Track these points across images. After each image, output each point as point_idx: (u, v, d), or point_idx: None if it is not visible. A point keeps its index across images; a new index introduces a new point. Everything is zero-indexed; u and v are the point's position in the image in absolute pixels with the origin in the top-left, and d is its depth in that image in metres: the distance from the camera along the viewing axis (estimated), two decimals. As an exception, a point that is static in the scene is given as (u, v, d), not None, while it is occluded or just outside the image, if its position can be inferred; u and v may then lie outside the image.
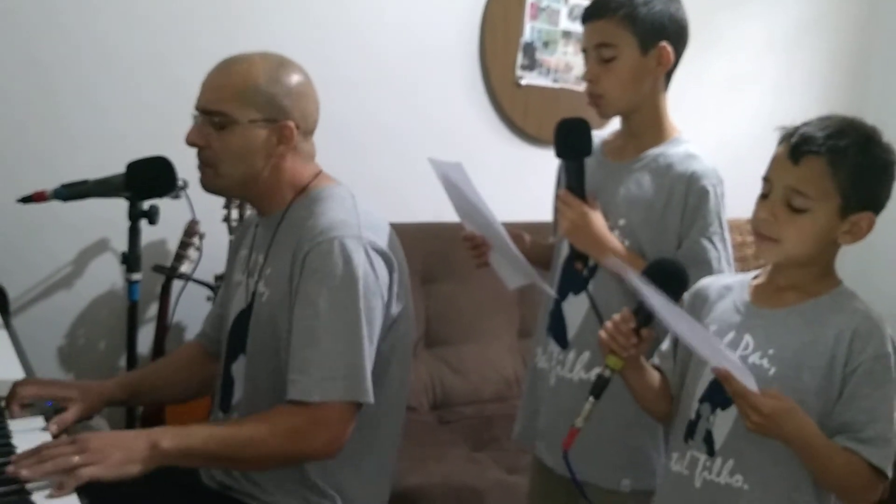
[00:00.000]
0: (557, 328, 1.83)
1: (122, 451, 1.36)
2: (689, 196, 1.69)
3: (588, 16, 1.76)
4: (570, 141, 1.74)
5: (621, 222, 1.73)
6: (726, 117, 3.46)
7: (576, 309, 1.79)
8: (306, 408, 1.48)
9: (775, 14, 3.76)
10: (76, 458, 1.31)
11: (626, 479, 1.75)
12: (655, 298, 1.34)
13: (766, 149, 1.48)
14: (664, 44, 1.71)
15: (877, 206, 1.40)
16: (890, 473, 1.36)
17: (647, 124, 1.77)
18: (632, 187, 1.74)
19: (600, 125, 1.97)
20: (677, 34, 1.74)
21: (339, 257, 1.51)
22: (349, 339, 1.51)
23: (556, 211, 1.83)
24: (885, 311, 1.43)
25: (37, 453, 1.31)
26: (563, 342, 1.81)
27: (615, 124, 1.85)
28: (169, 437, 1.42)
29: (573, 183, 1.74)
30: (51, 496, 1.25)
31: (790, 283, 1.46)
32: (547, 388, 1.85)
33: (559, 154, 1.78)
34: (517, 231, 1.86)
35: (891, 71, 3.98)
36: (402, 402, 1.74)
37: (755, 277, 1.54)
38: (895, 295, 3.28)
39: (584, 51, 1.77)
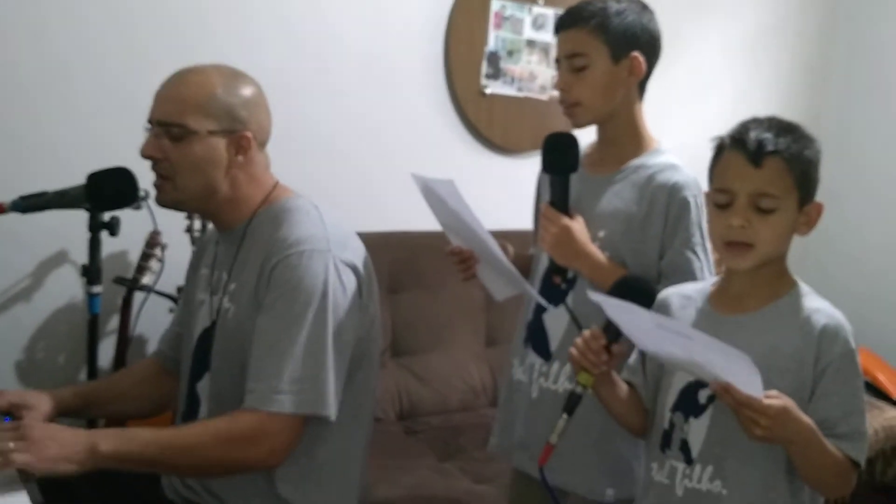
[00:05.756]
0: (538, 340, 1.83)
1: (58, 448, 1.37)
2: (670, 207, 1.70)
3: (561, 25, 1.77)
4: (559, 157, 1.75)
5: (601, 234, 1.74)
6: (688, 123, 3.48)
7: (557, 320, 1.80)
8: (256, 416, 1.48)
9: (736, 21, 3.81)
10: (11, 444, 1.34)
11: (609, 488, 1.76)
12: (640, 328, 1.37)
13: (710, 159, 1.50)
14: (636, 54, 1.73)
15: (815, 193, 1.46)
16: (863, 465, 1.39)
17: (624, 134, 1.79)
18: (612, 199, 1.75)
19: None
20: (649, 45, 1.75)
21: (307, 271, 1.51)
22: (313, 352, 1.50)
23: (537, 224, 1.83)
24: (848, 313, 1.46)
25: None
26: (545, 354, 1.81)
27: (591, 135, 1.85)
28: (108, 441, 1.42)
29: (556, 197, 1.75)
30: None
31: (748, 287, 1.48)
32: (527, 400, 1.84)
33: (546, 169, 1.79)
34: (501, 242, 1.86)
35: (849, 75, 4.04)
36: (369, 413, 1.73)
37: (713, 284, 1.56)
38: (854, 293, 3.35)
39: (557, 60, 1.78)
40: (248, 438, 1.48)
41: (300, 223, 1.58)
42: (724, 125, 1.49)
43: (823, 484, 1.43)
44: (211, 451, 1.48)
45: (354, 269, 1.59)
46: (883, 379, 3.33)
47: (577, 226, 1.73)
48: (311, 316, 1.50)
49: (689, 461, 1.47)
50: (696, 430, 1.47)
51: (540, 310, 1.83)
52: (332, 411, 1.50)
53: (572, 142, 1.74)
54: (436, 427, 2.80)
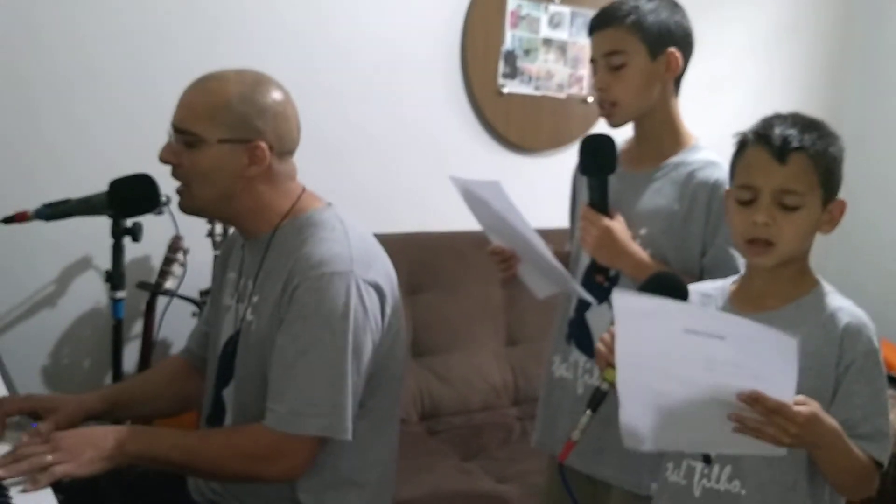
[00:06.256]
0: (582, 337, 1.85)
1: (92, 449, 1.42)
2: (712, 204, 1.70)
3: (595, 26, 1.78)
4: (598, 158, 1.76)
5: (643, 231, 1.75)
6: (707, 120, 3.47)
7: (601, 318, 1.80)
8: (276, 436, 1.50)
9: (755, 18, 3.80)
10: (49, 457, 1.37)
11: (654, 482, 1.76)
12: (657, 340, 1.29)
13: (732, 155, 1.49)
14: (672, 49, 1.74)
15: (838, 190, 1.44)
16: (886, 465, 1.38)
17: (661, 130, 1.79)
18: (653, 197, 1.76)
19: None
20: (684, 40, 1.77)
21: (329, 293, 1.50)
22: (332, 376, 1.50)
23: (574, 224, 1.84)
24: (867, 310, 1.45)
25: (12, 453, 1.38)
26: (589, 351, 1.82)
27: (627, 131, 1.85)
28: (135, 441, 1.47)
29: (596, 199, 1.76)
30: (24, 490, 1.31)
31: (770, 286, 1.47)
32: (572, 396, 1.86)
33: (584, 171, 1.80)
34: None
35: (867, 72, 4.02)
36: (393, 426, 1.73)
37: (733, 283, 1.55)
38: (877, 294, 3.32)
39: (593, 61, 1.79)
40: (266, 457, 1.51)
41: (324, 241, 1.56)
42: (742, 123, 1.48)
43: (846, 486, 1.41)
44: (231, 464, 1.52)
45: (377, 287, 1.57)
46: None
47: (618, 226, 1.73)
48: (331, 339, 1.50)
49: (707, 460, 1.46)
50: None
51: (583, 307, 1.84)
52: (349, 434, 1.52)
53: (610, 143, 1.75)
54: (458, 427, 2.80)
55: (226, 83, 1.56)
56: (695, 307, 1.40)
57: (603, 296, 1.79)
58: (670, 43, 1.74)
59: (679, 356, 1.28)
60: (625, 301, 1.31)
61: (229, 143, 1.54)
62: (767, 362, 1.23)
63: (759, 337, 1.21)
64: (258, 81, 1.59)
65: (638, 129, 1.83)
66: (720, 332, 1.24)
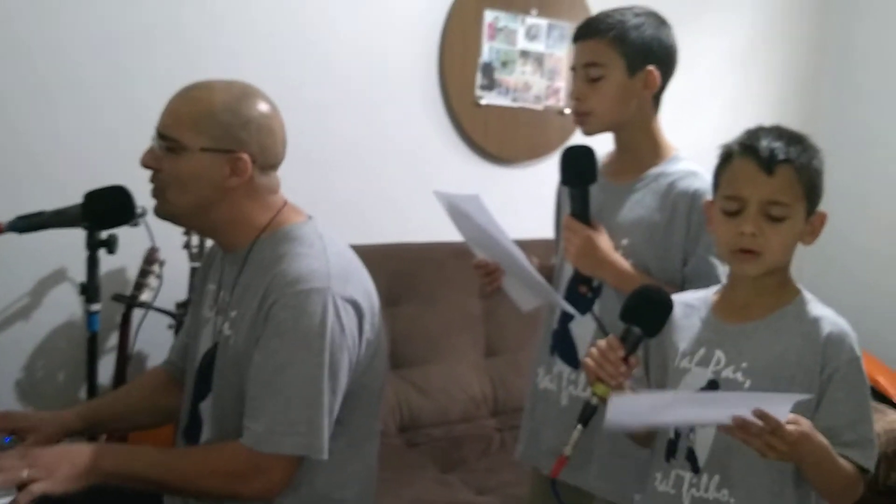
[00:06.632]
0: (565, 348, 1.85)
1: (68, 467, 1.41)
2: (692, 213, 1.71)
3: (579, 35, 1.79)
4: (577, 169, 1.76)
5: (624, 242, 1.76)
6: (685, 132, 3.49)
7: (584, 329, 1.81)
8: (252, 454, 1.48)
9: (730, 30, 3.84)
10: (25, 473, 1.36)
11: (637, 493, 1.76)
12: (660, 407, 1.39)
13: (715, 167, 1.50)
14: (651, 67, 1.75)
15: (819, 203, 1.46)
16: (872, 471, 1.39)
17: (641, 142, 1.81)
18: (634, 207, 1.77)
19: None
20: (665, 59, 1.78)
21: (306, 311, 1.49)
22: (308, 394, 1.49)
23: (559, 235, 1.85)
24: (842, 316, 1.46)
25: None
26: (573, 362, 1.83)
27: (609, 144, 1.87)
28: (111, 458, 1.46)
29: (578, 209, 1.77)
30: None
31: (753, 296, 1.48)
32: (556, 408, 1.86)
33: (565, 182, 1.81)
34: (526, 254, 1.87)
35: (841, 83, 4.07)
36: (371, 441, 1.72)
37: (715, 293, 1.56)
38: (851, 305, 3.34)
39: (573, 69, 1.80)
40: (243, 475, 1.49)
41: (302, 256, 1.54)
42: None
43: (832, 494, 1.42)
44: (208, 482, 1.50)
45: (355, 304, 1.56)
46: (884, 382, 3.33)
47: (600, 235, 1.75)
48: (307, 357, 1.49)
49: (695, 470, 1.47)
50: (703, 439, 1.47)
51: (566, 319, 1.85)
52: (325, 454, 1.51)
53: (589, 154, 1.76)
54: (437, 439, 2.80)
55: (212, 92, 1.56)
56: (682, 395, 1.44)
57: (586, 307, 1.80)
58: (650, 60, 1.75)
59: (678, 407, 1.38)
60: (614, 406, 1.38)
61: (211, 152, 1.53)
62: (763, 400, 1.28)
63: (756, 397, 1.29)
64: (245, 93, 1.58)
65: (617, 141, 1.84)
66: (720, 399, 1.36)
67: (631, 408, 1.40)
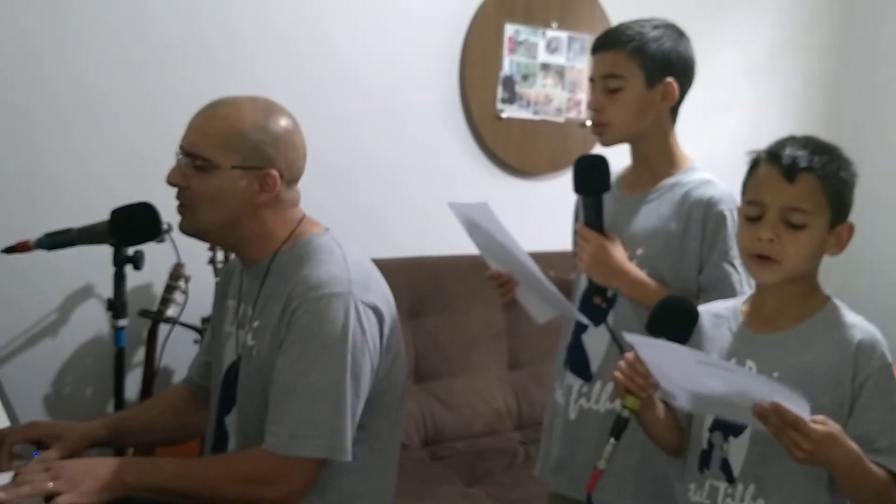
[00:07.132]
0: (577, 361, 1.84)
1: (92, 479, 1.42)
2: (706, 221, 1.71)
3: (598, 46, 1.79)
4: (589, 178, 1.77)
5: (639, 252, 1.76)
6: (705, 143, 3.49)
7: (597, 341, 1.80)
8: (274, 459, 1.49)
9: (750, 40, 3.83)
10: (50, 484, 1.38)
11: None
12: (678, 365, 1.37)
13: (745, 173, 1.50)
14: (670, 80, 1.75)
15: (848, 214, 1.46)
16: None
17: (657, 153, 1.80)
18: (648, 217, 1.77)
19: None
20: (684, 71, 1.78)
21: (328, 315, 1.50)
22: (331, 397, 1.50)
23: (576, 248, 1.84)
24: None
25: (14, 479, 1.39)
26: (585, 375, 1.82)
27: (627, 158, 1.87)
28: (134, 471, 1.47)
29: (591, 218, 1.77)
30: None
31: (781, 305, 1.47)
32: (564, 421, 1.85)
33: (578, 190, 1.81)
34: (542, 266, 1.87)
35: (863, 91, 4.04)
36: (394, 446, 1.72)
37: (744, 303, 1.55)
38: (878, 311, 3.31)
39: (592, 80, 1.81)
40: (266, 480, 1.50)
41: (323, 263, 1.57)
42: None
43: (865, 501, 1.40)
44: (231, 488, 1.51)
45: (376, 309, 1.58)
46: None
47: (613, 244, 1.74)
48: (330, 360, 1.50)
49: (730, 480, 1.46)
50: (737, 449, 1.46)
51: (579, 331, 1.84)
52: (349, 455, 1.51)
53: (602, 162, 1.76)
54: (461, 452, 2.79)
55: (240, 110, 1.57)
56: (699, 353, 1.43)
57: (600, 318, 1.79)
58: (669, 73, 1.75)
59: (699, 375, 1.36)
60: (637, 341, 1.38)
61: (242, 169, 1.55)
62: (780, 395, 1.27)
63: (765, 381, 1.29)
64: (271, 110, 1.60)
65: (634, 152, 1.84)
66: (730, 369, 1.34)
67: (657, 352, 1.39)
